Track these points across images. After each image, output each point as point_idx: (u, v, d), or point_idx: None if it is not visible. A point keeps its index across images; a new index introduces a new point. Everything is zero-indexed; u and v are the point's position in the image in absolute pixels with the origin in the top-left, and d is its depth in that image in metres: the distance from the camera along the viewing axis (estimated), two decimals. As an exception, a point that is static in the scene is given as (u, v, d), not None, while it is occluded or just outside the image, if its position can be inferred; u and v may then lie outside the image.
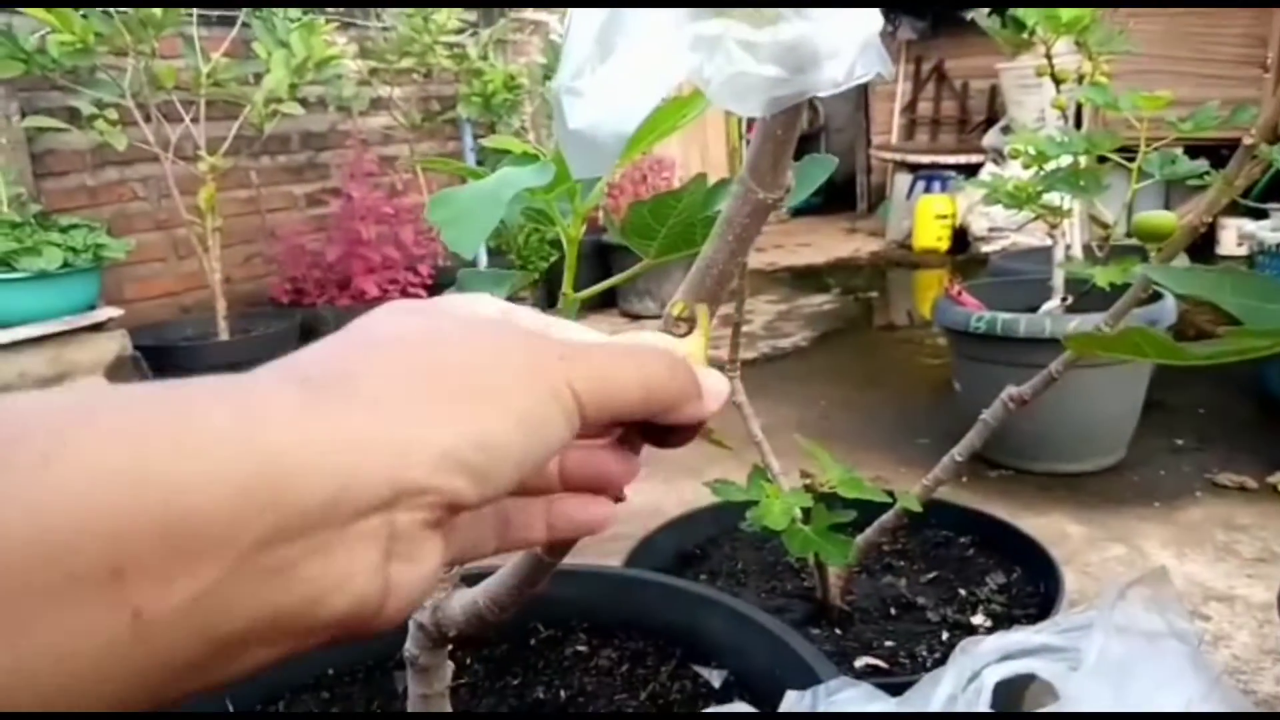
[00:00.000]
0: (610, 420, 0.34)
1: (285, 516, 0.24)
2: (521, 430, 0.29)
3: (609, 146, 0.44)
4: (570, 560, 0.73)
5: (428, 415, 0.28)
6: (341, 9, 3.62)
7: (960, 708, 0.78)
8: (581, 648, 1.10)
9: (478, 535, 0.36)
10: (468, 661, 1.07)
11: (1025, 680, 0.83)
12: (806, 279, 5.41)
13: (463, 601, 0.76)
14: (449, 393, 0.28)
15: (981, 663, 0.80)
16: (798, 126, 0.45)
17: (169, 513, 0.22)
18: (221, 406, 0.25)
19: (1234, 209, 3.54)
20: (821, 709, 0.80)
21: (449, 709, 0.84)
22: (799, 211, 7.20)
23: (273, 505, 0.24)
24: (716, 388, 0.37)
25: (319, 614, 0.25)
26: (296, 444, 0.25)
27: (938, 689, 0.79)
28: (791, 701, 0.82)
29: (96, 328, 2.54)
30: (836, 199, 7.20)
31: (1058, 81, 2.23)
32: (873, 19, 0.37)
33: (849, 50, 0.37)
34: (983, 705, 0.77)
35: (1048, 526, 2.11)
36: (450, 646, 0.81)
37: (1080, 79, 2.25)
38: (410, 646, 0.80)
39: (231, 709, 0.98)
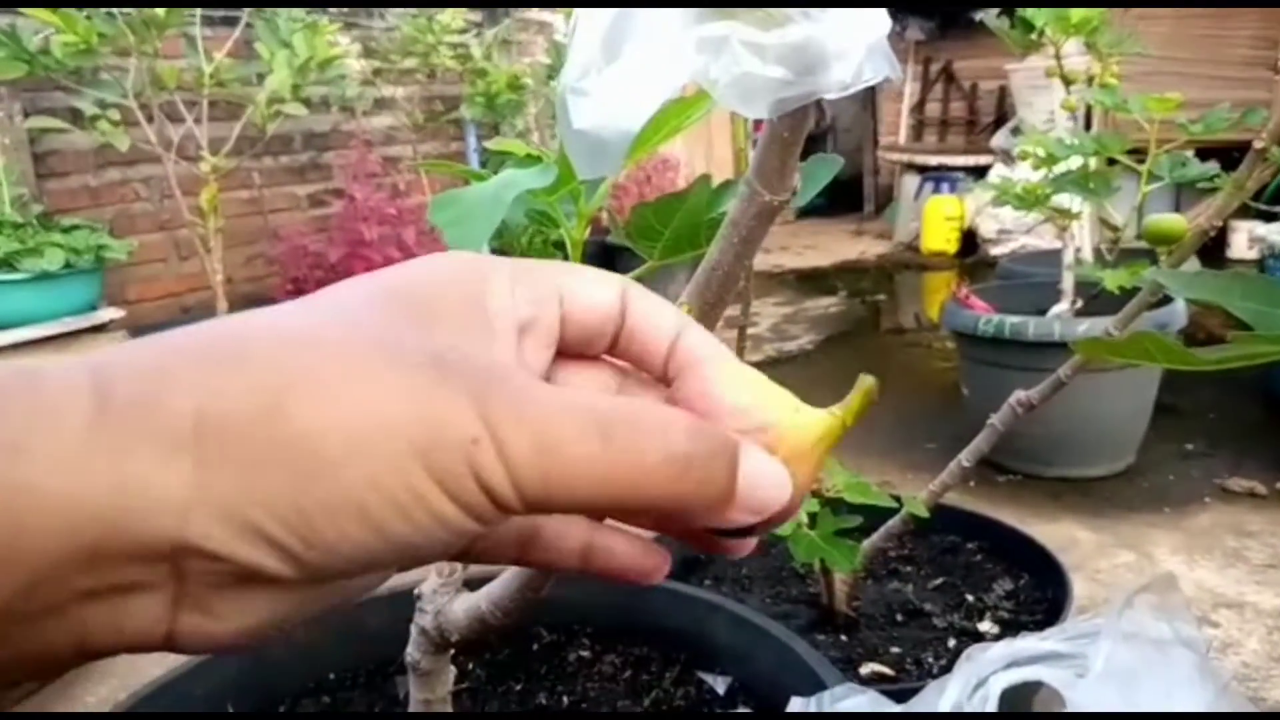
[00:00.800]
0: (573, 511, 0.26)
1: (36, 570, 0.21)
2: (365, 528, 0.23)
3: (614, 147, 0.43)
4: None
5: (233, 475, 0.22)
6: (345, 9, 3.62)
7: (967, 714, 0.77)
8: (585, 653, 1.09)
9: (490, 544, 0.30)
10: (470, 666, 1.06)
11: (1033, 687, 0.82)
12: (813, 281, 5.40)
13: (465, 606, 0.76)
14: (274, 454, 0.22)
15: (988, 670, 0.79)
16: (804, 129, 0.44)
17: None
18: None
19: (1245, 212, 3.53)
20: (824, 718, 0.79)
21: (449, 710, 0.83)
22: (805, 213, 7.19)
23: (20, 560, 0.21)
24: (764, 495, 0.27)
25: (89, 649, 0.23)
26: (58, 486, 0.21)
27: (943, 696, 0.79)
28: (796, 708, 0.81)
29: (98, 329, 2.54)
30: (843, 200, 7.18)
31: (1067, 83, 2.22)
32: (880, 21, 0.37)
33: (856, 52, 0.36)
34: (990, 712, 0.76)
35: (1057, 532, 2.10)
36: (452, 651, 0.81)
37: (1090, 80, 2.24)
38: (412, 651, 0.80)
39: (231, 711, 0.98)
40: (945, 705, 0.79)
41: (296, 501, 0.22)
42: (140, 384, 0.23)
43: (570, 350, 0.30)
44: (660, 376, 0.31)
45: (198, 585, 0.23)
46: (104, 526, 0.21)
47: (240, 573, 0.23)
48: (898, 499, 1.24)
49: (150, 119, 2.62)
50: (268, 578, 0.23)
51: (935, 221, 5.81)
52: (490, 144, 0.73)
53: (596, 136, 0.42)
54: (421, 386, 0.23)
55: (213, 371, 0.23)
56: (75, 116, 2.76)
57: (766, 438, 0.28)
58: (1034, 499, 2.32)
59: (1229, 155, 2.07)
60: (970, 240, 5.71)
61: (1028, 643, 0.83)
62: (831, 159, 0.60)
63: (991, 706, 0.77)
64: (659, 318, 0.30)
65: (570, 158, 0.46)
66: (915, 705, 0.80)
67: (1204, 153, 2.10)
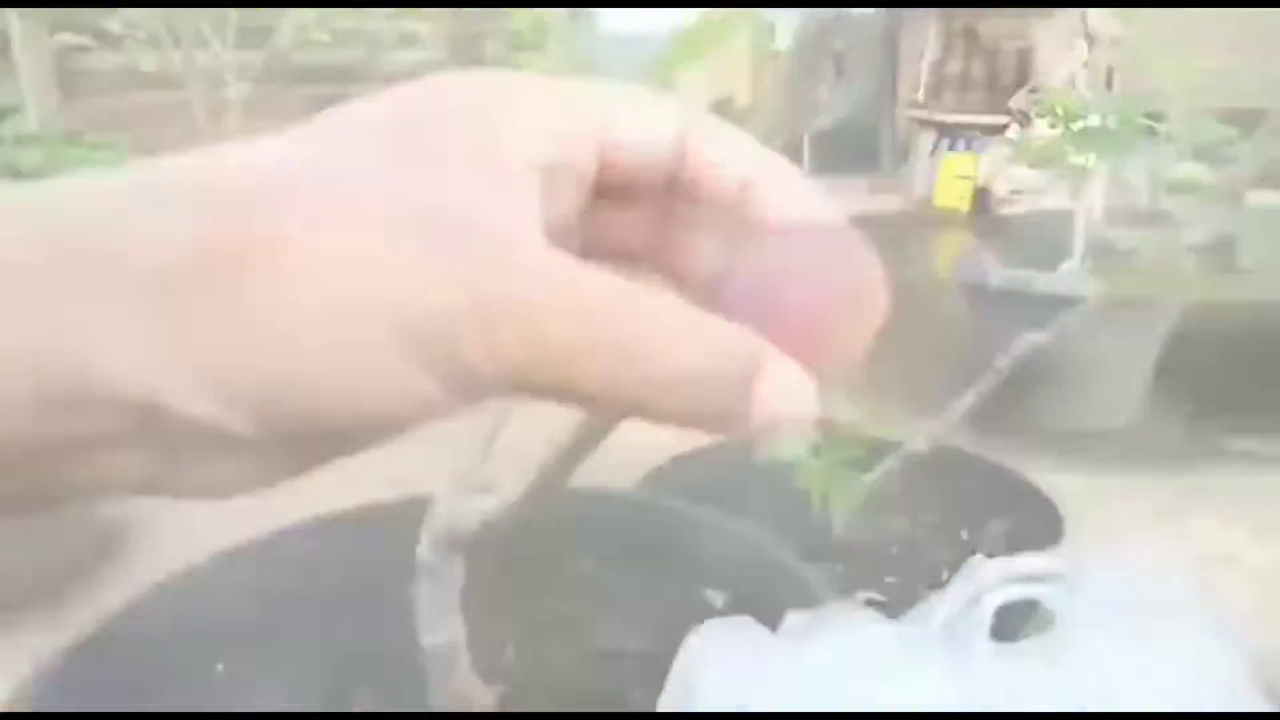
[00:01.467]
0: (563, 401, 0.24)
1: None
2: (339, 401, 0.21)
3: (643, 51, 0.45)
4: (579, 482, 0.75)
5: (198, 339, 0.20)
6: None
7: (959, 631, 0.79)
8: (589, 567, 1.12)
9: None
10: (479, 570, 1.09)
11: (1027, 609, 0.85)
12: (826, 236, 5.38)
13: (477, 509, 0.79)
14: (241, 320, 0.20)
15: (983, 586, 0.81)
16: (821, 68, 0.45)
17: None
18: None
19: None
20: (820, 630, 0.82)
21: (458, 613, 0.87)
22: (821, 168, 7.15)
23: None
24: (780, 413, 0.23)
25: (75, 492, 0.23)
26: (14, 339, 0.20)
27: (937, 611, 0.81)
28: (792, 622, 0.84)
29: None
30: (859, 156, 7.12)
31: (1090, 42, 2.21)
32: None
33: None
34: (982, 630, 0.79)
35: (1054, 483, 2.12)
36: (462, 555, 0.84)
37: (1114, 41, 2.23)
38: (424, 551, 0.83)
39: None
40: (938, 622, 0.81)
41: (267, 369, 0.21)
42: (94, 234, 0.21)
43: (611, 190, 0.27)
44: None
45: (174, 442, 0.22)
46: (71, 377, 0.20)
47: (214, 434, 0.21)
48: (900, 438, 1.27)
49: (178, 43, 2.62)
50: (245, 441, 0.22)
51: (949, 179, 5.78)
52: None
53: (625, 37, 0.43)
54: (408, 258, 0.21)
55: (173, 222, 0.21)
56: (102, 37, 2.76)
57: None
58: (1033, 449, 2.33)
59: (1250, 120, 2.07)
60: (984, 198, 5.68)
61: (1024, 561, 0.85)
62: (847, 90, 0.62)
63: (984, 624, 0.80)
64: (727, 165, 0.27)
65: (596, 64, 0.48)
66: (909, 620, 0.83)
67: (1226, 118, 2.08)
